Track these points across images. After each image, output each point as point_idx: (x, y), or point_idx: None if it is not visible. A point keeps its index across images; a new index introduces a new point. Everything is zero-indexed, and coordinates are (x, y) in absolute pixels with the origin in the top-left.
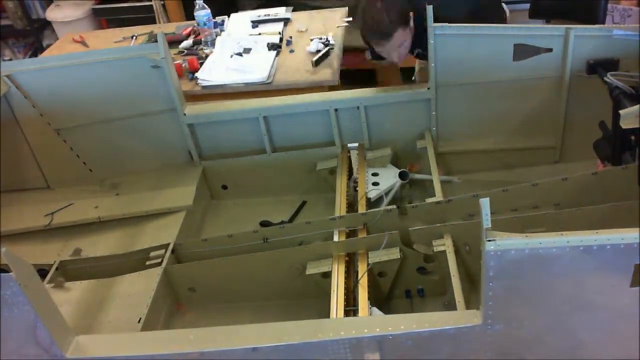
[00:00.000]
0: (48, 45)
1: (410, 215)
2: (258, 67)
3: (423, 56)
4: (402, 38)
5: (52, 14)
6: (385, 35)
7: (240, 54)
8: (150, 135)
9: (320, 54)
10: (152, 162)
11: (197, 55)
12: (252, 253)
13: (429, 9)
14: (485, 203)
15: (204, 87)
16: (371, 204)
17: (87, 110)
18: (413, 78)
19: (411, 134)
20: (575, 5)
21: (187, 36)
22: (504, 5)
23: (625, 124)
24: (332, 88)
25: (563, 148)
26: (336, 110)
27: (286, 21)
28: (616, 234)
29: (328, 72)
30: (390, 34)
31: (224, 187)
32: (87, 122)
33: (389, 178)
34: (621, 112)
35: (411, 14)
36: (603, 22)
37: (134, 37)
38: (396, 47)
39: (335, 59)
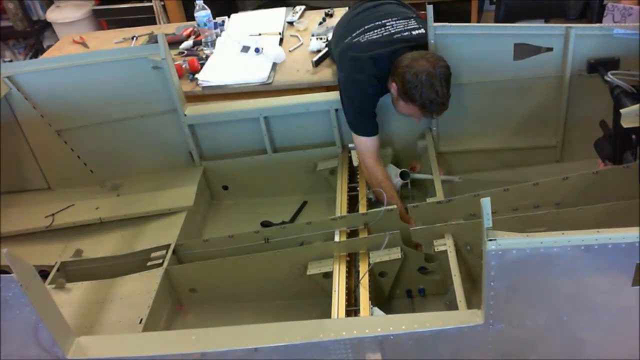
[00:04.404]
0: (48, 47)
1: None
2: (258, 67)
3: None
4: None
5: (53, 15)
6: None
7: (241, 55)
8: (150, 136)
9: (320, 54)
10: (153, 163)
11: (197, 55)
12: (253, 253)
13: (429, 8)
14: (486, 202)
15: (205, 87)
16: (372, 204)
17: (87, 112)
18: None
19: (412, 133)
20: (541, 4)
21: (188, 37)
22: None
23: (626, 123)
24: (332, 88)
25: (564, 147)
26: (336, 110)
27: None
28: (617, 233)
29: (328, 72)
30: None
31: (225, 188)
32: (87, 123)
33: (390, 178)
34: (622, 111)
35: None
36: (580, 17)
37: (135, 38)
38: None
39: None
